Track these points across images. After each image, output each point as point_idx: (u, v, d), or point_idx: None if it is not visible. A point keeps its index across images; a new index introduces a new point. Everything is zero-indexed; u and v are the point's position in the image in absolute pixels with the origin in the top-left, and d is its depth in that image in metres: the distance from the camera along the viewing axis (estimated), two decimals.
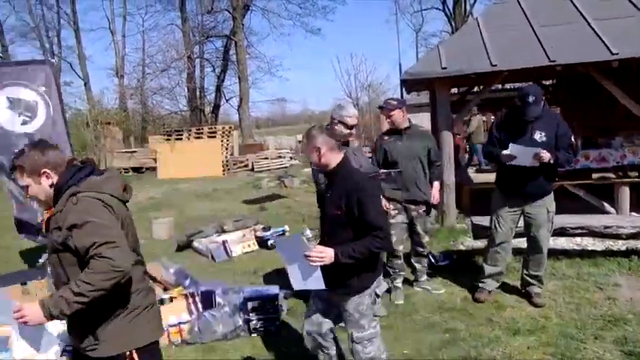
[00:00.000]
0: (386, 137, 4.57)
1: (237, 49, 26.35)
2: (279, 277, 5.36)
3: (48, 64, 5.71)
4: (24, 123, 5.38)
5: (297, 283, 2.71)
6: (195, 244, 6.77)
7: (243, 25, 26.62)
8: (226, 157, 18.26)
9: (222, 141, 18.14)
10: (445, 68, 6.38)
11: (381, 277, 2.98)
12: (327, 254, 2.55)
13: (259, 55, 29.30)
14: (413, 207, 4.47)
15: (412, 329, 3.99)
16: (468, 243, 6.03)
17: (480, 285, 4.48)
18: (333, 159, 2.69)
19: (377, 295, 2.88)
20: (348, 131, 3.86)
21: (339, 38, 65.34)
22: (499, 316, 4.11)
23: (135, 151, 21.02)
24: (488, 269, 4.45)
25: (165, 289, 4.51)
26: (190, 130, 19.39)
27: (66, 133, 5.62)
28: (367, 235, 2.56)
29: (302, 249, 2.58)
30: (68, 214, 2.01)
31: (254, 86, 28.98)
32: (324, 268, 2.59)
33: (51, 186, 2.13)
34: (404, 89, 8.92)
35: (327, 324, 2.90)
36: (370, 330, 2.79)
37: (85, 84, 30.82)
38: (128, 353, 2.13)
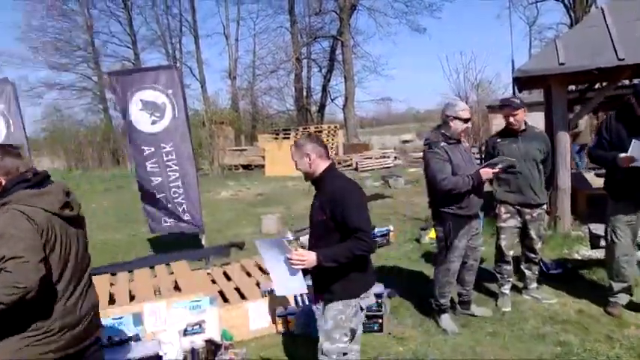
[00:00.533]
0: (499, 139, 4.35)
1: (343, 49, 26.77)
2: (383, 275, 5.42)
3: (174, 69, 6.26)
4: (153, 123, 5.96)
5: (279, 287, 2.70)
6: (302, 239, 7.03)
7: (349, 25, 26.97)
8: (331, 156, 18.62)
9: (327, 140, 18.53)
10: (563, 64, 5.99)
11: (371, 290, 2.79)
12: (309, 258, 2.53)
13: (365, 55, 29.54)
14: (527, 210, 4.29)
15: (520, 339, 3.83)
16: (585, 252, 5.63)
17: (612, 299, 4.16)
18: (321, 166, 2.70)
19: (361, 309, 2.70)
20: (465, 125, 3.82)
21: (446, 36, 63.52)
22: (620, 333, 3.80)
23: (245, 149, 22.18)
24: (616, 286, 4.12)
25: None
26: (297, 129, 20.05)
27: (188, 132, 6.12)
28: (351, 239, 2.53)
29: (284, 252, 2.56)
30: None
31: (359, 85, 29.27)
32: (313, 274, 2.61)
33: None
34: (516, 87, 8.50)
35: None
36: (341, 344, 2.65)
37: (202, 86, 33.01)
38: None
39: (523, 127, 4.26)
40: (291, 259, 2.53)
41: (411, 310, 4.47)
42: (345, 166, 18.37)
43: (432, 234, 6.62)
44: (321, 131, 19.11)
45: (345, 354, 2.67)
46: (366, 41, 31.56)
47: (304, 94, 31.27)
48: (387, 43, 68.25)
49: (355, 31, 28.88)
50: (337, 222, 2.57)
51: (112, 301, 4.15)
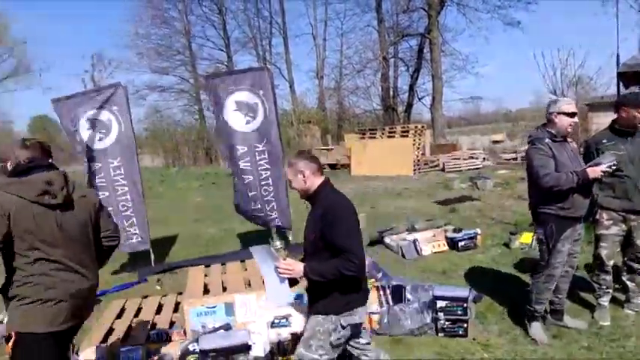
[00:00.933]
0: (605, 140, 4.02)
1: (431, 47, 26.24)
2: (469, 279, 5.32)
3: (266, 70, 6.52)
4: (247, 123, 6.26)
5: (270, 294, 2.74)
6: (386, 239, 7.03)
7: (438, 22, 26.35)
8: (417, 156, 18.34)
9: (414, 140, 18.27)
10: None
11: (360, 309, 2.72)
12: (296, 268, 2.57)
13: (454, 52, 28.71)
14: (633, 217, 3.99)
15: (620, 356, 3.58)
16: None
17: None
18: (315, 182, 2.71)
19: (342, 327, 2.65)
20: (571, 120, 3.62)
21: (541, 29, 59.78)
22: None
23: (331, 149, 22.45)
24: None
25: None
26: (384, 129, 19.95)
27: (278, 132, 6.36)
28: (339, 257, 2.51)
29: (273, 260, 2.57)
30: None
31: (447, 84, 28.51)
32: (309, 287, 2.65)
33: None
34: (621, 83, 7.90)
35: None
36: (315, 355, 2.64)
37: (290, 86, 33.85)
38: (13, 334, 2.44)
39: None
40: (279, 268, 2.61)
41: (498, 316, 4.34)
42: (431, 167, 18.03)
43: (522, 239, 6.37)
44: (407, 131, 18.86)
45: None
46: (455, 38, 30.65)
47: (391, 93, 31.06)
48: (478, 40, 65.63)
49: (444, 28, 28.21)
50: (326, 241, 2.58)
51: (206, 290, 4.43)
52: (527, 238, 6.36)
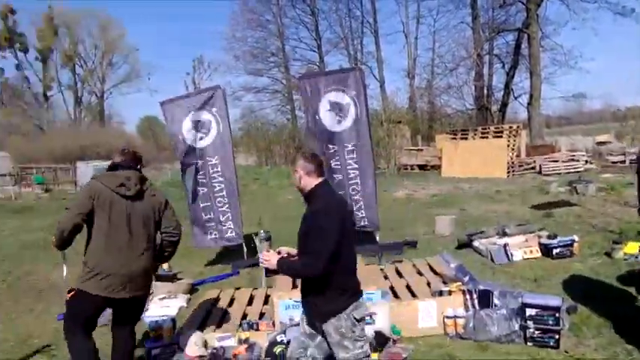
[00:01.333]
0: None
1: (529, 42, 24.84)
2: (563, 289, 5.07)
3: (358, 71, 6.62)
4: (338, 122, 6.41)
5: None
6: (476, 243, 6.88)
7: (537, 15, 24.89)
8: (512, 158, 17.58)
9: (508, 141, 17.54)
10: None
11: (361, 301, 2.81)
12: (271, 260, 2.79)
13: (555, 47, 26.93)
14: None
15: None
16: None
17: None
18: (310, 183, 2.84)
19: (356, 320, 2.74)
20: None
21: None
22: None
23: (421, 149, 22.15)
24: None
25: (444, 282, 4.79)
26: (476, 129, 19.33)
27: (368, 132, 6.45)
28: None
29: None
30: None
31: (547, 81, 26.83)
32: (309, 300, 2.80)
33: None
34: None
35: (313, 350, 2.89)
36: (356, 350, 2.73)
37: (381, 86, 33.72)
38: (74, 288, 3.30)
39: None
40: (261, 257, 2.91)
41: (595, 330, 4.09)
42: (526, 169, 17.19)
43: (627, 248, 5.94)
44: (501, 131, 18.12)
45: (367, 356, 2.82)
46: (556, 32, 28.66)
47: (485, 92, 29.90)
48: (583, 32, 60.90)
49: (544, 21, 26.58)
50: (301, 240, 2.79)
51: (294, 285, 4.64)
52: (633, 248, 5.90)
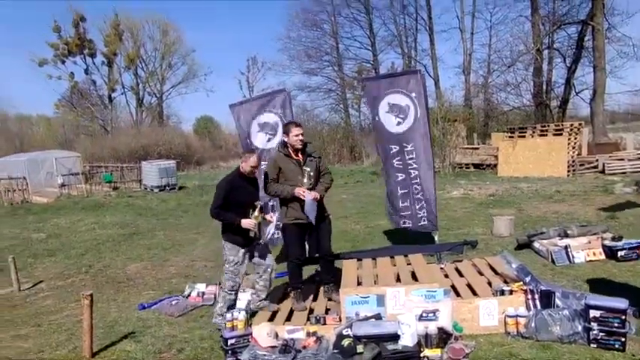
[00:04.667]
0: None
1: (594, 35, 23.78)
2: (629, 292, 5.01)
3: (418, 73, 6.74)
4: (398, 124, 6.59)
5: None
6: (536, 244, 6.86)
7: (603, 5, 23.78)
8: (572, 156, 17.02)
9: (569, 139, 16.98)
10: None
11: None
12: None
13: (622, 39, 25.67)
14: None
15: None
16: None
17: None
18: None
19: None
20: None
21: None
22: None
23: (477, 148, 21.79)
24: None
25: (505, 282, 4.87)
26: (535, 127, 18.82)
27: (428, 132, 6.57)
28: None
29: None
30: None
31: (612, 75, 25.70)
32: None
33: None
34: None
35: None
36: None
37: (436, 83, 33.37)
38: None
39: None
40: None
41: None
42: (588, 168, 16.60)
43: None
44: (562, 129, 17.53)
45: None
46: (625, 22, 27.20)
47: (544, 88, 28.94)
48: None
49: (610, 11, 25.38)
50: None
51: (359, 281, 4.87)
52: None
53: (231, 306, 4.97)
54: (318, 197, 4.90)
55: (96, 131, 43.03)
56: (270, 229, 5.81)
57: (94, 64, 43.40)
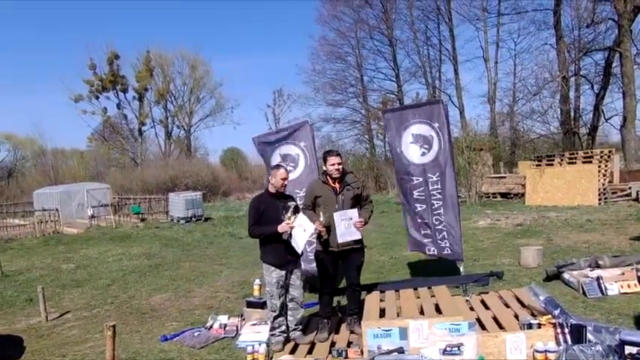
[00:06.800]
0: None
1: (622, 61, 23.56)
2: None
3: (441, 104, 6.73)
4: (422, 154, 6.54)
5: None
6: (565, 275, 6.64)
7: (631, 31, 23.58)
8: (604, 184, 16.60)
9: (599, 166, 16.60)
10: None
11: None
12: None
13: None
14: None
15: None
16: None
17: None
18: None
19: None
20: None
21: None
22: None
23: (504, 177, 21.46)
24: None
25: (533, 315, 4.71)
26: (563, 155, 18.49)
27: (452, 163, 6.51)
28: None
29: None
30: None
31: None
32: None
33: None
34: None
35: None
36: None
37: (461, 113, 33.27)
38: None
39: None
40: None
41: None
42: (621, 196, 16.14)
43: None
44: (591, 156, 17.16)
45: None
46: None
47: (572, 115, 28.55)
48: None
49: (638, 38, 25.11)
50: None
51: (382, 314, 4.78)
52: None
53: (275, 327, 5.02)
54: (323, 228, 4.90)
55: (126, 163, 44.21)
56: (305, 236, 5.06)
57: (126, 98, 45.06)
